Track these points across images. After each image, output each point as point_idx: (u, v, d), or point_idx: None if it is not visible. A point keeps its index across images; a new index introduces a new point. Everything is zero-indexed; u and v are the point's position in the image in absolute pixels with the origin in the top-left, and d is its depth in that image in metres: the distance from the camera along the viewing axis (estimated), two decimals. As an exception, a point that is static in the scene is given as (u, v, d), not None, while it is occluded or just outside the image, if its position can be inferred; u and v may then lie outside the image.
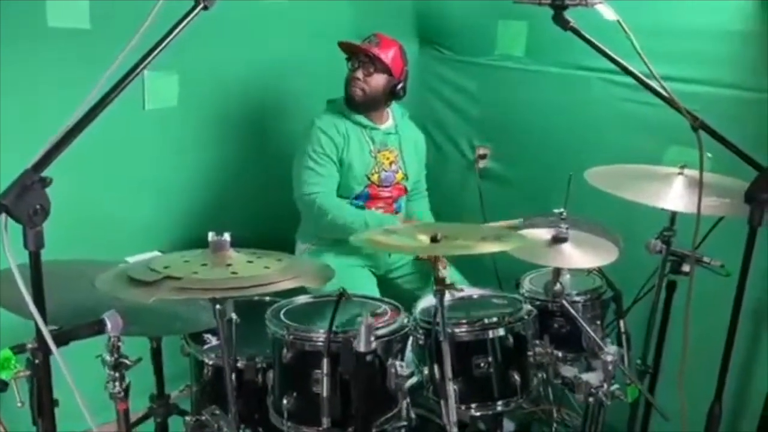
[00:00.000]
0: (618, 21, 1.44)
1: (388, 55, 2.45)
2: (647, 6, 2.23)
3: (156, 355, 1.89)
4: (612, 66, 1.51)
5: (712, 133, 1.48)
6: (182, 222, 2.55)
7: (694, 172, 1.74)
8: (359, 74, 2.45)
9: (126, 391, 1.54)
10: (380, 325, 1.67)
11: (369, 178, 2.50)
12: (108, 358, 1.52)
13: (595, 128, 2.55)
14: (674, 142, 2.18)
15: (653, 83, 1.49)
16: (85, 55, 2.10)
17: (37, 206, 1.06)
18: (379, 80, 2.46)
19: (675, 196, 1.82)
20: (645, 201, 1.80)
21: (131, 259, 1.59)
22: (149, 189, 2.46)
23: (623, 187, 1.83)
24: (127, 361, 1.52)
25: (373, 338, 1.45)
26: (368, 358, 1.42)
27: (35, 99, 2.09)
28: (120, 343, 1.51)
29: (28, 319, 1.22)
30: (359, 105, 2.48)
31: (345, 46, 2.48)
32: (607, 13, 1.46)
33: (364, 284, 2.39)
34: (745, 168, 1.48)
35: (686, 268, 1.91)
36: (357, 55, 2.46)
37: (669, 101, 1.47)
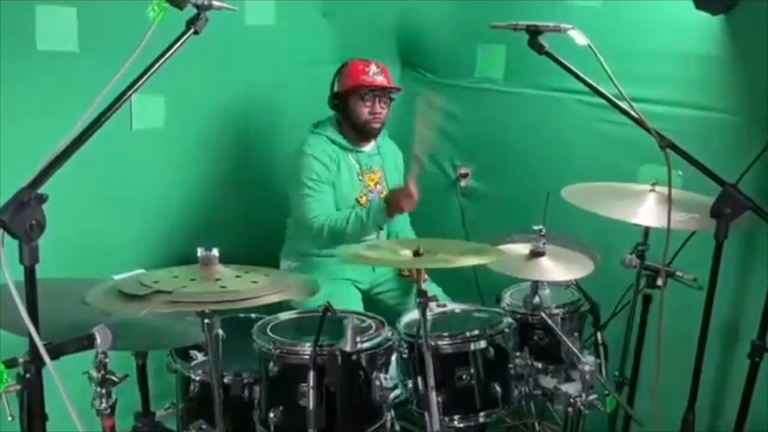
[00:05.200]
0: (589, 45, 1.51)
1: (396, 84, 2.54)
2: (618, 31, 2.33)
3: (141, 372, 1.89)
4: (587, 88, 1.59)
5: (680, 152, 1.55)
6: (168, 241, 2.56)
7: (665, 189, 1.81)
8: (380, 108, 2.50)
9: (113, 407, 1.55)
10: (365, 338, 1.70)
11: (358, 201, 2.55)
12: (95, 374, 1.53)
13: (571, 147, 2.62)
14: (647, 160, 2.26)
15: (623, 104, 1.56)
16: (73, 77, 2.14)
17: (33, 222, 1.09)
18: (387, 109, 2.55)
19: (647, 211, 1.89)
20: (618, 216, 1.86)
21: (117, 277, 1.61)
22: (135, 208, 2.48)
23: (598, 204, 1.90)
24: (113, 378, 1.54)
25: (358, 339, 1.48)
26: (353, 357, 1.46)
27: (24, 121, 2.10)
28: (107, 360, 1.53)
29: (18, 335, 1.24)
30: (373, 137, 2.56)
31: (369, 87, 2.47)
32: (579, 38, 1.53)
33: (350, 299, 2.43)
34: (714, 185, 1.54)
35: (660, 281, 1.96)
36: (374, 90, 2.49)
37: (638, 121, 1.54)
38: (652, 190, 1.95)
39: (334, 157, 2.50)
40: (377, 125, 2.52)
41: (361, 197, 2.56)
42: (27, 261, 1.10)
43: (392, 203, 2.36)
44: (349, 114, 2.52)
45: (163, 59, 1.30)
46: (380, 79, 2.50)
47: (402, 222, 2.77)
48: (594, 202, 1.91)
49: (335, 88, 2.54)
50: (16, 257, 1.12)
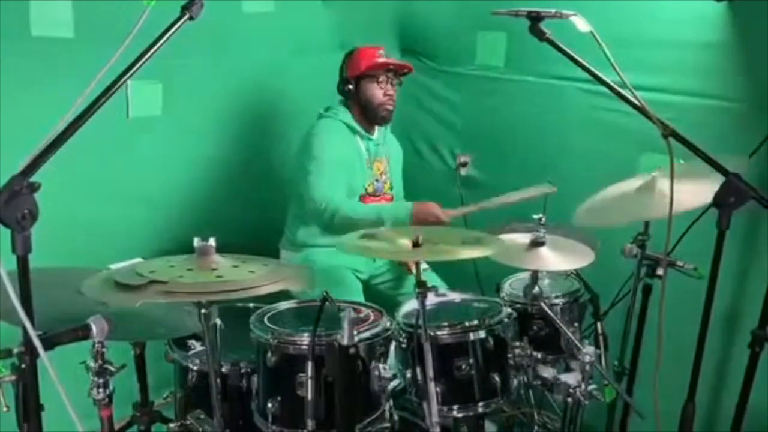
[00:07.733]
0: (591, 32, 1.49)
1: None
2: (620, 18, 2.30)
3: (139, 362, 1.89)
4: (588, 75, 1.57)
5: (682, 141, 1.53)
6: (166, 230, 2.55)
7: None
8: (393, 89, 2.49)
9: (110, 397, 1.54)
10: (364, 328, 1.69)
11: (366, 189, 2.53)
12: (92, 364, 1.52)
13: (572, 136, 2.60)
14: (649, 149, 2.24)
15: (626, 92, 1.54)
16: (68, 63, 2.11)
17: (26, 211, 1.07)
18: (396, 93, 2.54)
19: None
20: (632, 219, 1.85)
21: (114, 266, 1.60)
22: (133, 197, 2.46)
23: (615, 216, 1.89)
24: (111, 367, 1.53)
25: (355, 332, 1.47)
26: (350, 351, 1.45)
27: (19, 107, 2.09)
28: (104, 349, 1.52)
29: (13, 324, 1.23)
30: (386, 121, 2.54)
31: (383, 66, 2.46)
32: (581, 24, 1.51)
33: (350, 288, 2.42)
34: (715, 174, 1.53)
35: (661, 271, 1.95)
36: (388, 71, 2.48)
37: (640, 110, 1.52)
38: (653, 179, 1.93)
39: (347, 141, 2.48)
40: (391, 107, 2.51)
41: (369, 186, 2.54)
42: (20, 251, 1.09)
43: (419, 217, 2.36)
44: (361, 98, 2.50)
45: (158, 45, 1.28)
46: (392, 59, 2.51)
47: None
48: (608, 216, 1.90)
49: (345, 74, 2.52)
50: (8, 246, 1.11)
